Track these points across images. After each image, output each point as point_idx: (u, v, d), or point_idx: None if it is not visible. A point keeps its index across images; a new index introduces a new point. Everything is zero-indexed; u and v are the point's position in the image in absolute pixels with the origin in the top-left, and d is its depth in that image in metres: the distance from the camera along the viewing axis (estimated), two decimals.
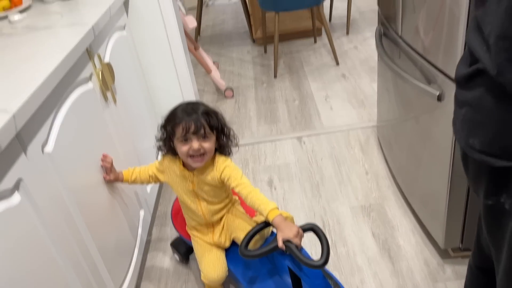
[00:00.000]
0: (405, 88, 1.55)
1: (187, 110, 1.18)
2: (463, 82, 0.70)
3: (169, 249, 1.69)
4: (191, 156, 1.18)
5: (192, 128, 1.15)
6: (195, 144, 1.16)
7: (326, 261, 1.03)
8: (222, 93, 2.80)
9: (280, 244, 1.07)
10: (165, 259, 1.66)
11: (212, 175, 1.23)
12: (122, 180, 1.33)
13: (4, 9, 1.52)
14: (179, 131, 1.16)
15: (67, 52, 1.09)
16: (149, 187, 1.74)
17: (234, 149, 1.29)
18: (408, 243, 1.56)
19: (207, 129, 1.17)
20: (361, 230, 1.65)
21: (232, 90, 2.79)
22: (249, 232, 1.16)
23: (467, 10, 1.05)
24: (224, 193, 1.31)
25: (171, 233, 1.77)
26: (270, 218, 1.11)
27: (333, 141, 2.19)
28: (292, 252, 1.05)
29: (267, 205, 1.13)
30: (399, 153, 1.75)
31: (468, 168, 0.74)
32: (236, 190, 1.19)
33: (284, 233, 1.07)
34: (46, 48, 1.16)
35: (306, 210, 1.78)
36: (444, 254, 1.49)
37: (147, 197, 1.70)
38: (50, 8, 1.58)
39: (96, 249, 1.16)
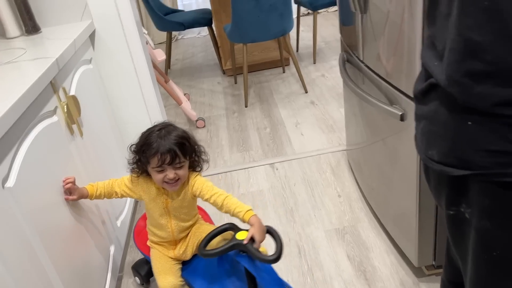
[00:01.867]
0: (370, 111, 1.60)
1: (161, 141, 1.17)
2: (420, 97, 0.73)
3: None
4: (166, 182, 1.21)
5: (168, 160, 1.17)
6: (171, 174, 1.19)
7: (279, 256, 1.11)
8: (193, 124, 2.80)
9: (248, 239, 1.14)
10: None
11: (185, 190, 1.27)
12: (86, 196, 1.29)
13: None
14: (154, 162, 1.18)
15: (29, 85, 1.07)
16: (119, 221, 1.69)
17: (205, 166, 1.32)
18: (383, 264, 1.56)
19: (182, 158, 1.19)
20: (336, 253, 1.64)
21: (203, 120, 2.79)
22: (209, 233, 1.21)
23: (421, 35, 1.10)
24: (194, 210, 1.36)
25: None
26: (247, 218, 1.18)
27: (305, 166, 2.21)
28: (251, 250, 1.13)
29: (243, 207, 1.20)
30: (369, 175, 1.78)
31: (430, 180, 0.75)
32: (211, 200, 1.23)
33: (256, 233, 1.15)
34: (7, 83, 1.14)
35: (281, 236, 1.76)
36: (419, 273, 1.50)
37: (118, 232, 1.65)
38: (13, 43, 1.57)
39: (62, 285, 1.11)
